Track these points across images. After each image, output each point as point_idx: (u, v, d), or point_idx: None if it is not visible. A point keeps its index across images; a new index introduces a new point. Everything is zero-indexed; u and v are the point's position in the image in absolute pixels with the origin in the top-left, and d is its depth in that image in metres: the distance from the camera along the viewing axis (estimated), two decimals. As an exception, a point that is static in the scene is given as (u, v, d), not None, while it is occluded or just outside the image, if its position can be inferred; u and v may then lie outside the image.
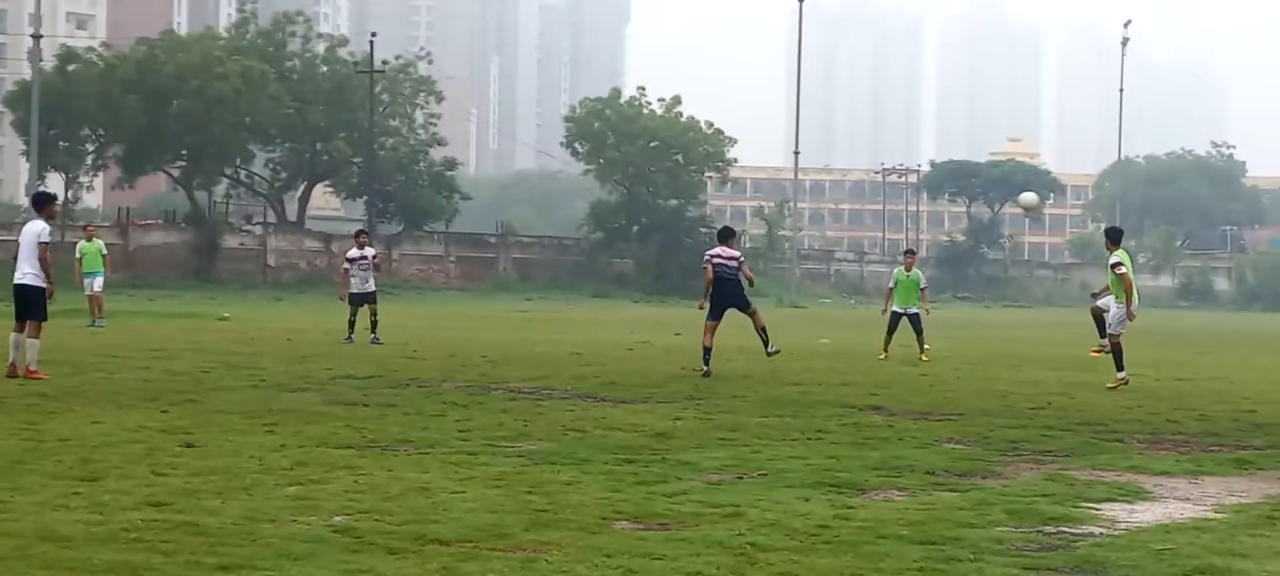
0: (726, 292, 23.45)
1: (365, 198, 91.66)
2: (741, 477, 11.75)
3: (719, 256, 23.66)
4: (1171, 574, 8.26)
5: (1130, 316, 22.35)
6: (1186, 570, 8.35)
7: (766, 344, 23.80)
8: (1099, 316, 24.22)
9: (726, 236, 24.34)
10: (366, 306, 30.59)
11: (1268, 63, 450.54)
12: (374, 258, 31.77)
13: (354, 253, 31.58)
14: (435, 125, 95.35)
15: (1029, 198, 23.47)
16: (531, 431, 14.64)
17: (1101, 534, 9.59)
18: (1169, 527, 9.89)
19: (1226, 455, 14.07)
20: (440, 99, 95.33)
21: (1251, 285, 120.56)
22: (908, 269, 29.59)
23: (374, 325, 30.26)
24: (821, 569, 8.21)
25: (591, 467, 12.03)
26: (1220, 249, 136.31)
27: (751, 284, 23.97)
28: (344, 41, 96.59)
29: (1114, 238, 23.49)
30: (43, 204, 20.45)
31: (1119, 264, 22.66)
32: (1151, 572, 8.28)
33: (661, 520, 9.68)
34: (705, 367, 22.64)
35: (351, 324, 30.62)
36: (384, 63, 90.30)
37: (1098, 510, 10.57)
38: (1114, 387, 21.62)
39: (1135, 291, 22.50)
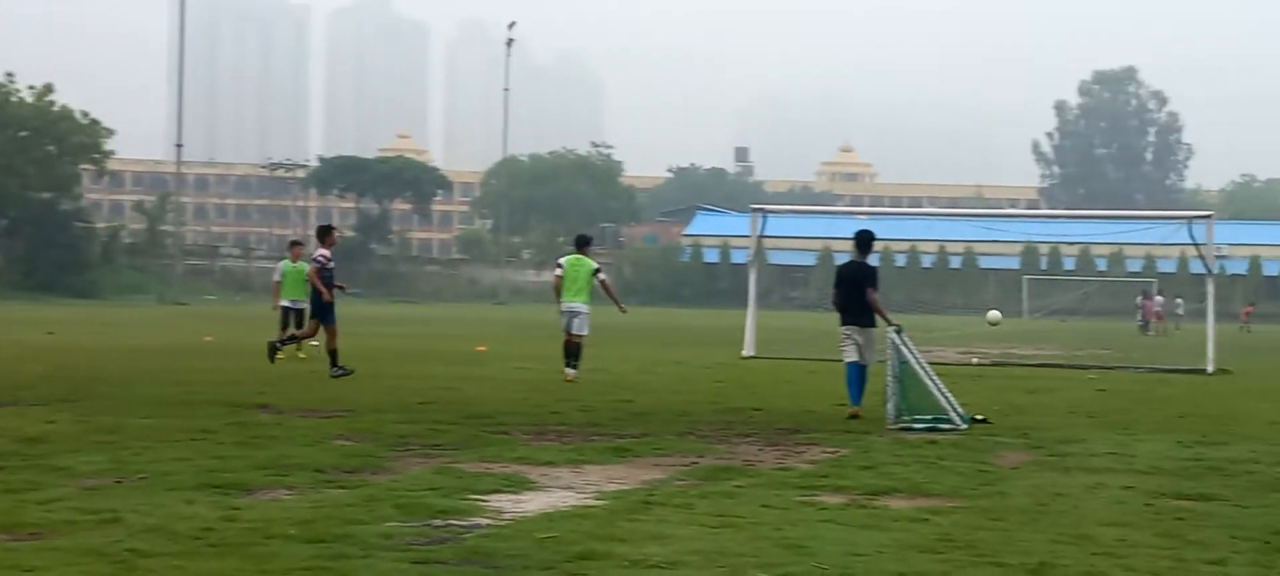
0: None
1: None
2: (120, 481, 11.23)
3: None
4: (555, 560, 8.43)
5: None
6: (569, 556, 8.55)
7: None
8: None
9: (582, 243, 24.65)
10: None
11: (642, 67, 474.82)
12: None
13: None
14: None
15: (994, 315, 23.58)
16: (-114, 440, 13.51)
17: (489, 525, 9.71)
18: (553, 516, 10.13)
19: (606, 444, 14.61)
20: None
21: (629, 280, 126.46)
22: (294, 260, 29.16)
23: None
24: (207, 572, 7.93)
25: (-46, 477, 11.21)
26: (599, 245, 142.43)
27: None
28: None
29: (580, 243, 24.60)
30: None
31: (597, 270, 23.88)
32: (536, 560, 8.43)
33: (33, 529, 9.12)
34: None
35: None
36: None
37: (485, 502, 10.71)
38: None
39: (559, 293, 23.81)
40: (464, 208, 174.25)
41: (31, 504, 10.01)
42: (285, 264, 29.35)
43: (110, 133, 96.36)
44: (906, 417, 16.71)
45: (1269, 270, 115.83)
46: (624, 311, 27.01)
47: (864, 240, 18.77)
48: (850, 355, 18.28)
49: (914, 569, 8.38)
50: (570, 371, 23.18)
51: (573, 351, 23.40)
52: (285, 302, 28.68)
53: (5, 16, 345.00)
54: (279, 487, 11.18)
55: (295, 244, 31.19)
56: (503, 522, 9.81)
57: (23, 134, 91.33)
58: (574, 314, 23.52)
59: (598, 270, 23.85)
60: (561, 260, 24.09)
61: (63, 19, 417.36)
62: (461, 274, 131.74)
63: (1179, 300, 75.12)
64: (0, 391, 18.75)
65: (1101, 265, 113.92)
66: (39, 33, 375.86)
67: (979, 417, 17.50)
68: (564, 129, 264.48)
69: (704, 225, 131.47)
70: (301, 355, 27.27)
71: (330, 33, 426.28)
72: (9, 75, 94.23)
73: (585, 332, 23.48)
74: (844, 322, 18.49)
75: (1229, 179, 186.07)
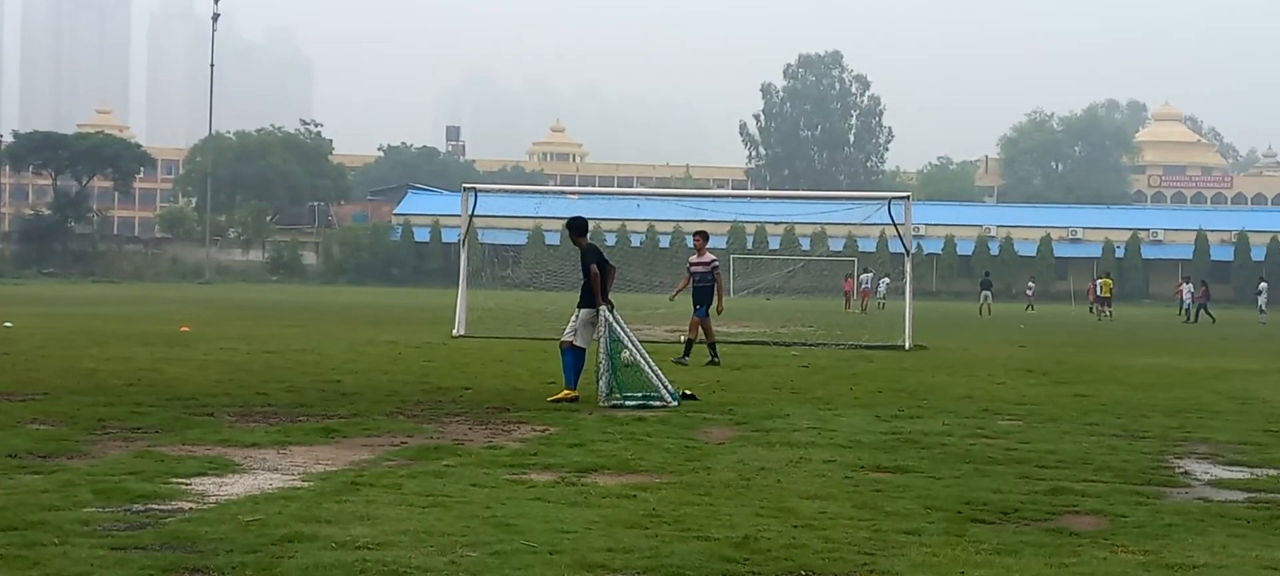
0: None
1: None
2: None
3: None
4: (259, 543, 8.30)
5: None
6: (274, 539, 8.43)
7: None
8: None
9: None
10: None
11: (353, 44, 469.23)
12: None
13: None
14: None
15: None
16: None
17: (191, 509, 9.51)
18: (258, 498, 9.98)
19: (314, 425, 14.44)
20: None
21: (338, 259, 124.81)
22: None
23: None
24: (-112, 566, 7.58)
25: None
26: (309, 224, 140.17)
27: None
28: None
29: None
30: None
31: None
32: (240, 544, 8.28)
33: None
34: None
35: None
36: None
37: (188, 485, 10.49)
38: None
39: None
40: (167, 185, 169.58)
41: None
42: None
43: None
44: (618, 395, 16.90)
45: (963, 249, 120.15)
46: None
47: (575, 226, 18.77)
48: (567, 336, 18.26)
49: (622, 544, 8.49)
50: None
51: None
52: None
53: None
54: (-32, 474, 10.75)
55: None
56: (206, 506, 9.62)
57: None
58: None
59: None
60: None
61: None
62: (164, 253, 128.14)
63: (886, 279, 77.28)
64: None
65: (805, 244, 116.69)
66: None
67: (688, 394, 17.80)
68: (273, 107, 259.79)
69: (415, 204, 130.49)
70: None
71: (25, 5, 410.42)
72: None
73: None
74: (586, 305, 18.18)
75: (926, 161, 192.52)
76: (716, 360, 24.88)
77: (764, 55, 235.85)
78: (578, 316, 18.09)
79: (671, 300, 29.43)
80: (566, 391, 17.62)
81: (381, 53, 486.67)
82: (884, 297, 73.48)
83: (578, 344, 17.96)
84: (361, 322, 39.57)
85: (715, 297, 26.06)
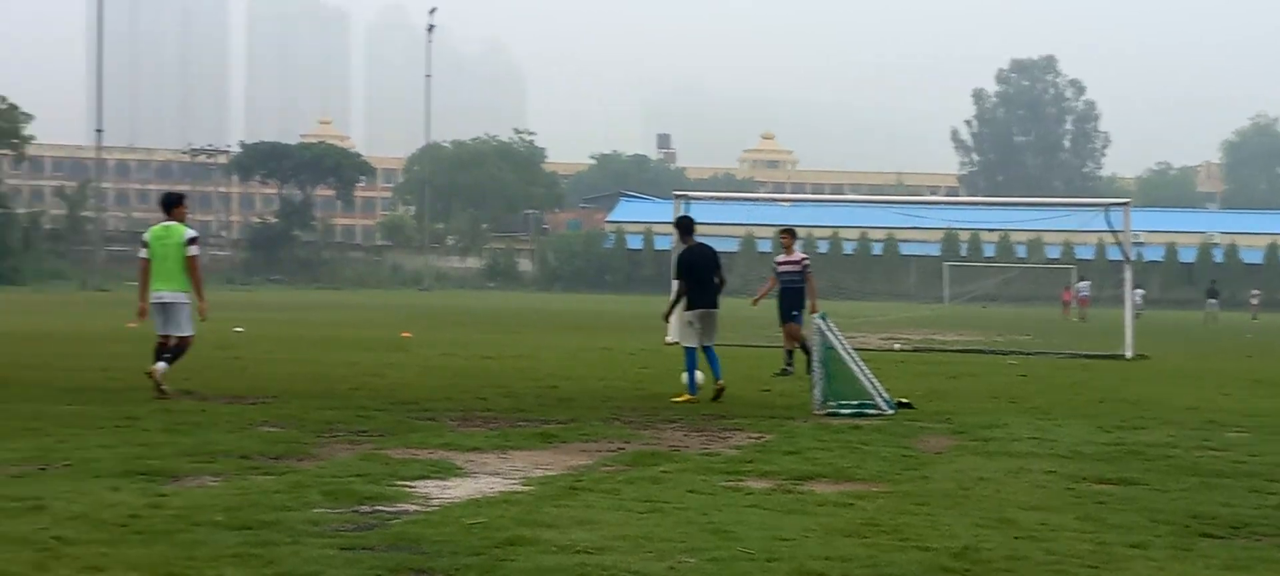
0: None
1: None
2: (45, 469, 11.14)
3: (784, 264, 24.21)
4: (482, 546, 8.44)
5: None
6: (496, 542, 8.57)
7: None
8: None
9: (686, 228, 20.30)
10: None
11: (564, 54, 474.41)
12: None
13: None
14: None
15: None
16: None
17: (416, 511, 9.71)
18: (480, 502, 10.14)
19: (533, 429, 14.63)
20: None
21: (552, 266, 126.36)
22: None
23: None
24: (133, 559, 7.88)
25: (-126, 465, 11.08)
26: (523, 232, 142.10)
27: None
28: None
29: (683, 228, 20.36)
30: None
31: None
32: (463, 546, 8.44)
33: (-45, 518, 9.03)
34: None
35: None
36: None
37: (412, 487, 10.71)
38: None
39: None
40: (387, 194, 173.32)
41: (-46, 492, 9.92)
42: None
43: (29, 117, 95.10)
44: (832, 403, 16.85)
45: (1184, 257, 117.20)
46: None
47: (685, 225, 19.72)
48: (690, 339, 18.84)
49: (839, 553, 8.46)
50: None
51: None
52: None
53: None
54: (205, 474, 11.13)
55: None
56: (430, 508, 9.81)
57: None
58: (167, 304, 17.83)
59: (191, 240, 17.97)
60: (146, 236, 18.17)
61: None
62: (385, 260, 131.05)
63: (1140, 290, 75.31)
64: (-82, 379, 18.52)
65: (1021, 251, 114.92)
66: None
67: (903, 402, 17.67)
68: (486, 116, 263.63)
69: (627, 211, 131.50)
70: None
71: (251, 19, 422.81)
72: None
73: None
74: (690, 306, 19.00)
75: (1145, 167, 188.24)
76: (791, 369, 23.42)
77: (975, 60, 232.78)
78: (684, 316, 18.97)
79: (755, 304, 26.47)
80: (686, 395, 18.36)
81: (593, 62, 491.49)
82: (1140, 309, 71.96)
83: (686, 343, 18.83)
84: (576, 329, 39.99)
85: (809, 299, 23.70)
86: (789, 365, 23.67)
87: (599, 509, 9.87)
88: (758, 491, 10.85)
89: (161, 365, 17.35)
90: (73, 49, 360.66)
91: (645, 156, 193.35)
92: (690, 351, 18.70)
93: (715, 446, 13.72)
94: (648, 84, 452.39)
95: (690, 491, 10.75)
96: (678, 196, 35.99)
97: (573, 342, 32.55)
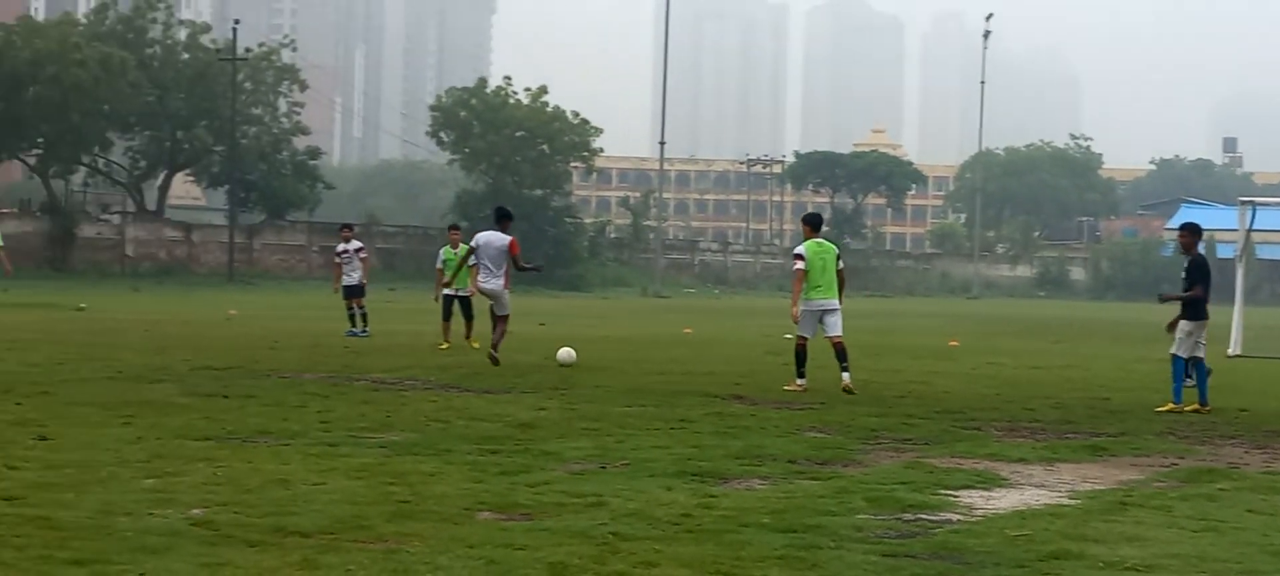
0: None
1: (226, 186, 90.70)
2: (604, 467, 11.70)
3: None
4: (1027, 559, 8.36)
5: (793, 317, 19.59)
6: (1041, 555, 8.46)
7: None
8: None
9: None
10: (355, 299, 31.03)
11: (1122, 56, 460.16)
12: (358, 250, 31.71)
13: (341, 246, 32.01)
14: (299, 114, 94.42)
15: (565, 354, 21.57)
16: (394, 422, 14.50)
17: (959, 520, 9.69)
18: (1025, 514, 10.02)
19: (1081, 442, 14.32)
20: (304, 87, 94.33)
21: (1106, 275, 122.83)
22: (454, 246, 28.08)
23: (363, 318, 30.73)
24: (684, 557, 8.20)
25: (454, 458, 11.93)
26: (1076, 239, 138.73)
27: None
28: (206, 28, 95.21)
29: (812, 224, 20.14)
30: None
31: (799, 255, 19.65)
32: (1007, 558, 8.37)
33: (524, 510, 9.63)
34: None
35: (351, 317, 30.91)
36: (247, 50, 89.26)
37: (956, 497, 10.69)
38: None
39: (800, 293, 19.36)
40: (937, 202, 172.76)
41: (523, 486, 10.57)
42: (446, 251, 28.48)
43: (598, 131, 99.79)
44: None
45: None
46: None
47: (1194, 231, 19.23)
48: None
49: None
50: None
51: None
52: (449, 292, 27.25)
53: (502, 23, 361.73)
54: (753, 477, 11.44)
55: (453, 228, 31.04)
56: (973, 519, 9.77)
57: (519, 134, 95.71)
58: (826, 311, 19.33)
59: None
60: (801, 249, 19.46)
61: (554, 23, 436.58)
62: (934, 268, 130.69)
63: None
64: (496, 380, 19.77)
65: None
66: (532, 38, 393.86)
67: None
68: (1040, 122, 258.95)
69: (1187, 218, 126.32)
70: (475, 344, 26.11)
71: (807, 30, 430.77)
72: (506, 79, 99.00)
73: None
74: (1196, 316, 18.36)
75: None
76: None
77: None
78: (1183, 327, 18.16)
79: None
80: (1170, 404, 17.72)
81: (1153, 65, 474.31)
82: None
83: (1180, 354, 17.98)
84: (1130, 339, 38.75)
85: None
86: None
87: (1150, 525, 9.58)
88: (1324, 514, 10.25)
89: (846, 376, 19.14)
90: (640, 66, 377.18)
91: (1209, 161, 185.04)
92: (1179, 360, 18.05)
93: (1278, 464, 13.05)
94: (1214, 86, 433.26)
95: (1249, 510, 10.28)
96: (1243, 203, 34.39)
97: (1127, 353, 31.57)
